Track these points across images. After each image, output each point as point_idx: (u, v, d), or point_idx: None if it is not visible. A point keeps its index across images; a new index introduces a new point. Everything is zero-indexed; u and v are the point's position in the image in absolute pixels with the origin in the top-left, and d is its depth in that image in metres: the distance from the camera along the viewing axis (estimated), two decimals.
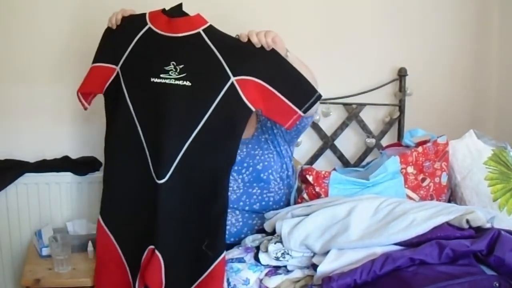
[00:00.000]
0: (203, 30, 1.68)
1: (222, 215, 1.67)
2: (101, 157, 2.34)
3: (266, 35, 1.62)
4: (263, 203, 1.93)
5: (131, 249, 1.73)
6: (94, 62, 1.81)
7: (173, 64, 1.64)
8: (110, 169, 1.77)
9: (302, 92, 1.66)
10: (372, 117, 2.74)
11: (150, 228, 1.65)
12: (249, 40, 1.64)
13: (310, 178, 1.93)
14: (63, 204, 2.30)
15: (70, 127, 2.35)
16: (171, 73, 1.64)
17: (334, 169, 2.07)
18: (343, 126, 2.68)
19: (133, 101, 1.70)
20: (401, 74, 2.74)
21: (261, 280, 1.60)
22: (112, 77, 1.75)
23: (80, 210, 2.33)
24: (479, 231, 1.53)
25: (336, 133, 2.67)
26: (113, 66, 1.74)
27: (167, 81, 1.64)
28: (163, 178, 1.61)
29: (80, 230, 2.23)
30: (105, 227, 1.77)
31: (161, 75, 1.65)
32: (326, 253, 1.53)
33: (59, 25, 2.29)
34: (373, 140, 2.71)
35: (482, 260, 1.41)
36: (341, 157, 2.69)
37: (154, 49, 1.69)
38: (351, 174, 2.09)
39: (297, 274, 1.58)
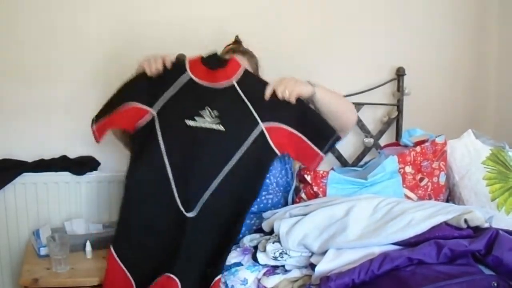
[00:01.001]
0: (237, 82, 1.81)
1: (234, 241, 1.73)
2: (99, 156, 2.35)
3: (291, 94, 1.71)
4: (262, 205, 1.94)
5: (144, 277, 1.73)
6: (126, 100, 1.83)
7: (208, 109, 1.77)
8: (130, 203, 1.80)
9: (323, 134, 1.79)
10: (370, 117, 2.74)
11: (168, 257, 1.68)
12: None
13: (308, 178, 1.93)
14: (61, 204, 2.30)
15: (68, 126, 2.34)
16: (206, 117, 1.76)
17: (332, 169, 2.07)
18: None
19: (165, 140, 1.77)
20: (400, 74, 2.73)
21: (259, 280, 1.60)
22: (147, 119, 1.81)
23: (78, 210, 2.32)
24: (478, 230, 1.53)
25: None
26: (148, 108, 1.80)
27: (202, 125, 1.75)
28: (192, 211, 1.70)
29: (78, 229, 2.22)
30: (117, 259, 1.77)
31: (196, 119, 1.76)
32: (324, 252, 1.53)
33: (59, 25, 2.28)
34: (371, 140, 2.71)
35: (480, 259, 1.41)
36: (339, 156, 2.69)
37: (192, 96, 1.80)
38: (349, 174, 2.09)
39: (295, 273, 1.57)
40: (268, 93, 1.73)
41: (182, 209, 1.70)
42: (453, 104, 2.90)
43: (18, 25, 2.24)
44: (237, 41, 2.17)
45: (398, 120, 2.76)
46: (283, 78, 1.76)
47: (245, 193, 1.75)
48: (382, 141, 2.74)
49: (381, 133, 2.75)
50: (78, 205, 2.32)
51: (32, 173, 2.25)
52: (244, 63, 1.89)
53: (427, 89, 2.82)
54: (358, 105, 2.67)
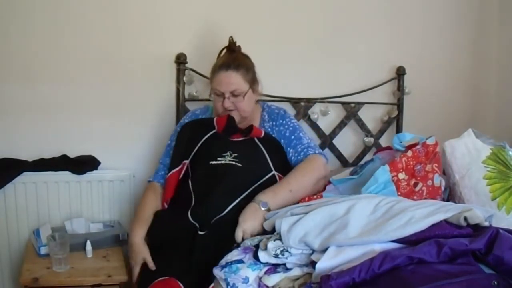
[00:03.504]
0: (258, 139, 2.10)
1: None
2: (99, 156, 2.35)
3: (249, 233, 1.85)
4: None
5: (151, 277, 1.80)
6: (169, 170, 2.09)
7: (229, 152, 2.03)
8: (158, 225, 1.99)
9: None
10: (371, 116, 2.75)
11: (177, 263, 1.78)
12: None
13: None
14: (61, 203, 2.30)
15: (68, 125, 2.34)
16: (227, 157, 2.02)
17: (329, 182, 2.06)
18: (341, 125, 2.68)
19: (193, 179, 2.02)
20: (400, 73, 2.74)
21: (260, 278, 1.60)
22: (184, 169, 2.07)
23: (78, 209, 2.32)
24: (477, 229, 1.52)
25: (335, 132, 2.68)
26: (184, 161, 2.07)
27: (222, 161, 2.01)
28: (204, 231, 1.86)
29: (78, 229, 2.22)
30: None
31: (218, 159, 2.02)
32: (325, 250, 1.53)
33: (59, 26, 2.28)
34: (372, 139, 2.71)
35: (481, 258, 1.41)
36: (339, 156, 2.70)
37: (217, 144, 2.07)
38: (345, 184, 2.07)
39: (296, 272, 1.57)
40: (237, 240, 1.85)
41: (198, 226, 1.87)
42: (453, 103, 2.90)
43: (18, 26, 2.24)
44: (231, 43, 2.15)
45: (398, 119, 2.76)
46: (244, 222, 1.83)
47: None
48: (382, 140, 2.74)
49: (381, 132, 2.76)
50: (78, 205, 2.32)
51: (32, 172, 2.25)
52: (239, 81, 2.05)
53: (427, 88, 2.83)
54: (358, 105, 2.67)
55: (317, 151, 2.12)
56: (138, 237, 1.93)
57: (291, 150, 2.12)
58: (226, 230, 1.84)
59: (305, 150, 2.10)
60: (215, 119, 2.09)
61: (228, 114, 2.07)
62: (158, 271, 1.79)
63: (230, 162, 2.00)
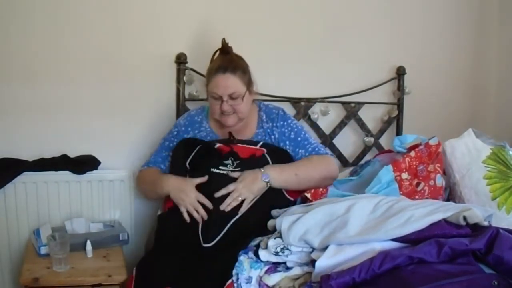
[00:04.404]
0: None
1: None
2: (99, 156, 2.35)
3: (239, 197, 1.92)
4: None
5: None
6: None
7: (231, 159, 2.00)
8: (162, 236, 1.99)
9: None
10: (371, 116, 2.74)
11: (177, 273, 1.74)
12: None
13: (308, 195, 1.95)
14: (62, 203, 2.29)
15: (68, 125, 2.34)
16: (229, 166, 1.99)
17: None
18: (341, 125, 2.68)
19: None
20: (400, 73, 2.74)
21: (261, 278, 1.60)
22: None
23: (79, 209, 2.32)
24: (477, 229, 1.53)
25: (335, 132, 2.68)
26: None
27: (224, 171, 1.98)
28: (210, 243, 1.84)
29: (78, 229, 2.22)
30: (134, 276, 1.85)
31: (220, 167, 1.99)
32: (325, 248, 1.53)
33: (59, 25, 2.28)
34: (372, 139, 2.71)
35: (481, 258, 1.41)
36: (339, 156, 2.70)
37: (216, 150, 2.03)
38: (345, 185, 2.07)
39: (297, 271, 1.58)
40: (221, 193, 1.91)
41: (202, 240, 1.85)
42: (453, 103, 2.90)
43: (18, 26, 2.24)
44: (224, 45, 2.14)
45: (399, 119, 2.76)
46: (241, 181, 1.91)
47: (258, 224, 1.86)
48: (383, 140, 2.74)
49: (381, 132, 2.76)
50: (78, 204, 2.32)
51: (33, 172, 2.24)
52: (237, 83, 2.02)
53: (427, 88, 2.83)
54: (359, 104, 2.67)
55: (328, 152, 2.14)
56: (192, 183, 1.95)
57: (300, 151, 2.11)
58: (231, 241, 1.82)
59: (316, 149, 2.11)
60: (217, 146, 2.05)
61: (231, 147, 2.04)
62: (158, 276, 1.75)
63: (233, 175, 1.96)
